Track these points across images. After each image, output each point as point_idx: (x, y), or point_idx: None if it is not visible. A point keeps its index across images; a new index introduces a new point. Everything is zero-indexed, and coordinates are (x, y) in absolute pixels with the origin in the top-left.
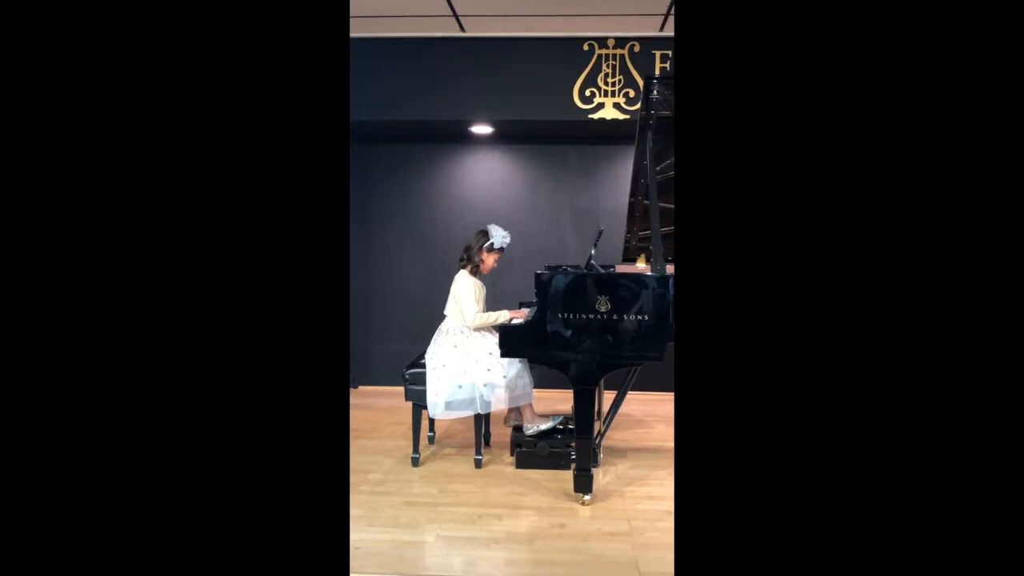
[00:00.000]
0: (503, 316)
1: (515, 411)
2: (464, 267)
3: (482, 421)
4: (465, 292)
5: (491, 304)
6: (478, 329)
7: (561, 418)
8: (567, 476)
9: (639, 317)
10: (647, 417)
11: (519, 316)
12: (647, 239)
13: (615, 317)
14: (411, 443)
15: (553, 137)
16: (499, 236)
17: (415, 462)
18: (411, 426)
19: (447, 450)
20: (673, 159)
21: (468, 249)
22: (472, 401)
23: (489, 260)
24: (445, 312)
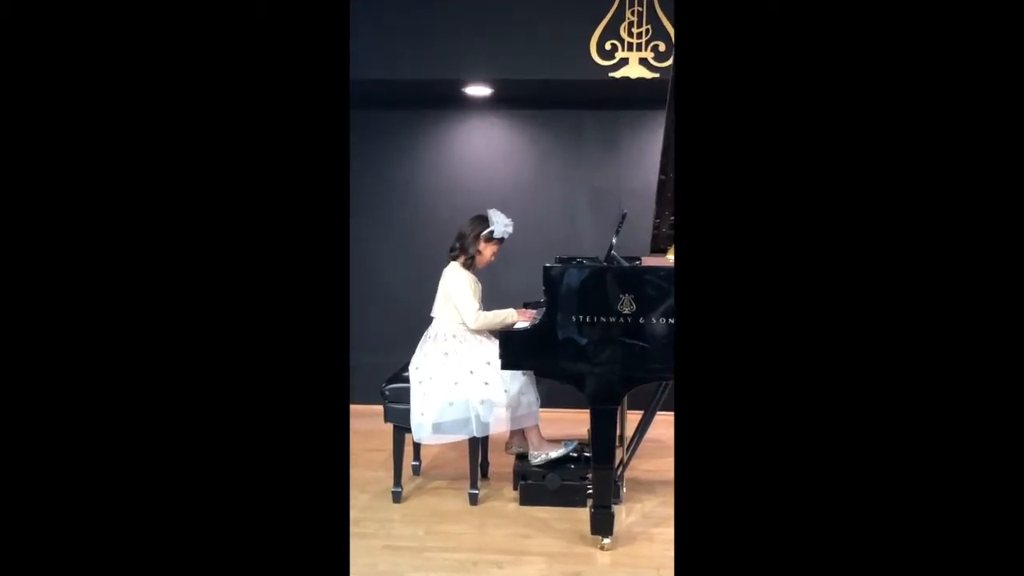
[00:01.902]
0: (511, 315)
1: (518, 435)
2: (455, 258)
3: (479, 447)
4: (460, 287)
5: (486, 306)
6: (480, 331)
7: (575, 444)
8: (582, 515)
9: (670, 321)
10: None
11: (526, 318)
12: None
13: (641, 321)
14: (391, 474)
15: (565, 101)
16: (501, 224)
17: (397, 497)
18: (391, 453)
19: (436, 483)
20: None
21: (462, 237)
22: (466, 422)
23: (487, 252)
24: (433, 314)
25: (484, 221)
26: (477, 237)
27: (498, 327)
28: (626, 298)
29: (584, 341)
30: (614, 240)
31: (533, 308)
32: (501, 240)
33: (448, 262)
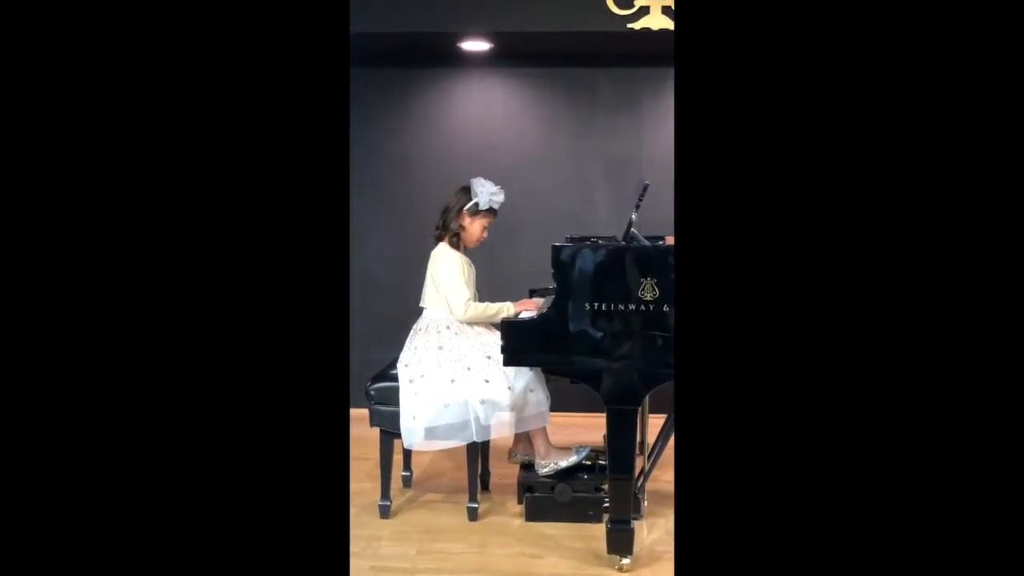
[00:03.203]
0: (506, 309)
1: (524, 441)
2: (441, 238)
3: (478, 455)
4: (448, 270)
5: (485, 295)
6: (471, 323)
7: (588, 451)
8: (597, 532)
9: None
10: None
11: (529, 308)
12: None
13: (665, 308)
14: (378, 486)
15: (577, 57)
16: (486, 193)
17: (385, 512)
18: (378, 462)
19: (429, 495)
20: None
21: (445, 213)
22: (464, 426)
23: (474, 228)
24: (423, 304)
25: (467, 192)
26: (460, 211)
27: (489, 321)
28: (648, 283)
29: (599, 333)
30: (634, 216)
31: (541, 295)
32: (490, 212)
33: (434, 244)
